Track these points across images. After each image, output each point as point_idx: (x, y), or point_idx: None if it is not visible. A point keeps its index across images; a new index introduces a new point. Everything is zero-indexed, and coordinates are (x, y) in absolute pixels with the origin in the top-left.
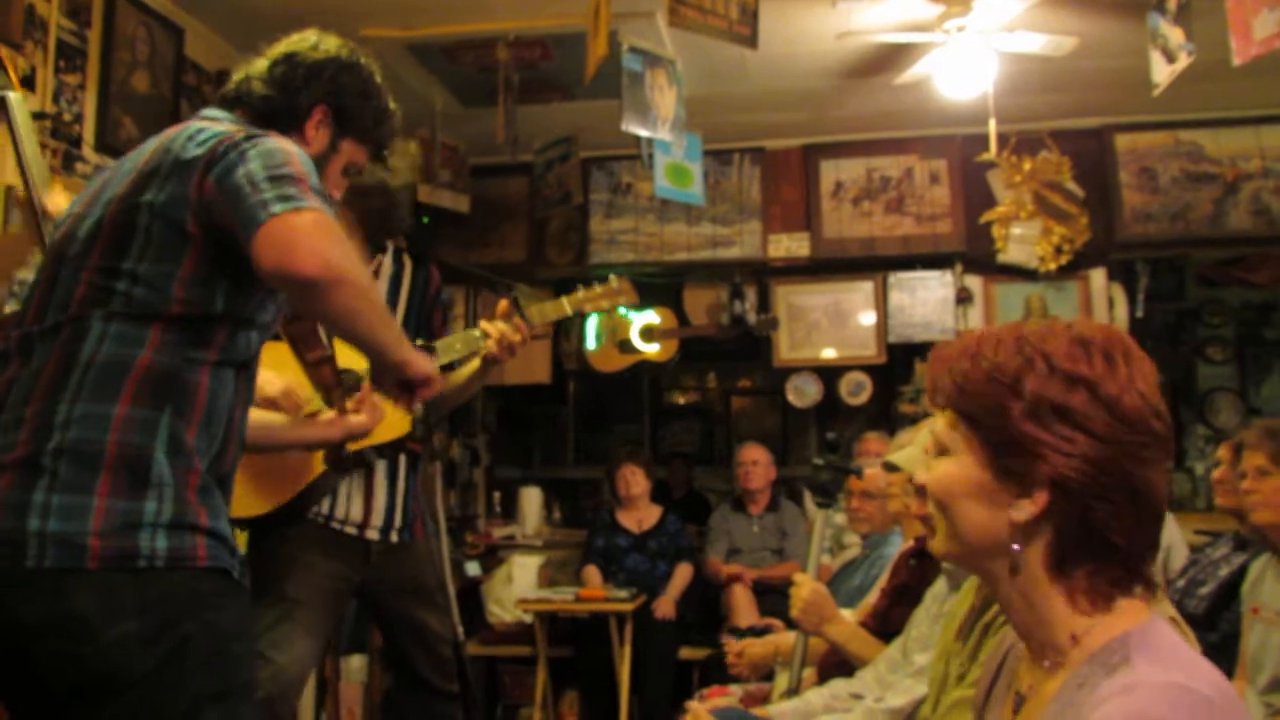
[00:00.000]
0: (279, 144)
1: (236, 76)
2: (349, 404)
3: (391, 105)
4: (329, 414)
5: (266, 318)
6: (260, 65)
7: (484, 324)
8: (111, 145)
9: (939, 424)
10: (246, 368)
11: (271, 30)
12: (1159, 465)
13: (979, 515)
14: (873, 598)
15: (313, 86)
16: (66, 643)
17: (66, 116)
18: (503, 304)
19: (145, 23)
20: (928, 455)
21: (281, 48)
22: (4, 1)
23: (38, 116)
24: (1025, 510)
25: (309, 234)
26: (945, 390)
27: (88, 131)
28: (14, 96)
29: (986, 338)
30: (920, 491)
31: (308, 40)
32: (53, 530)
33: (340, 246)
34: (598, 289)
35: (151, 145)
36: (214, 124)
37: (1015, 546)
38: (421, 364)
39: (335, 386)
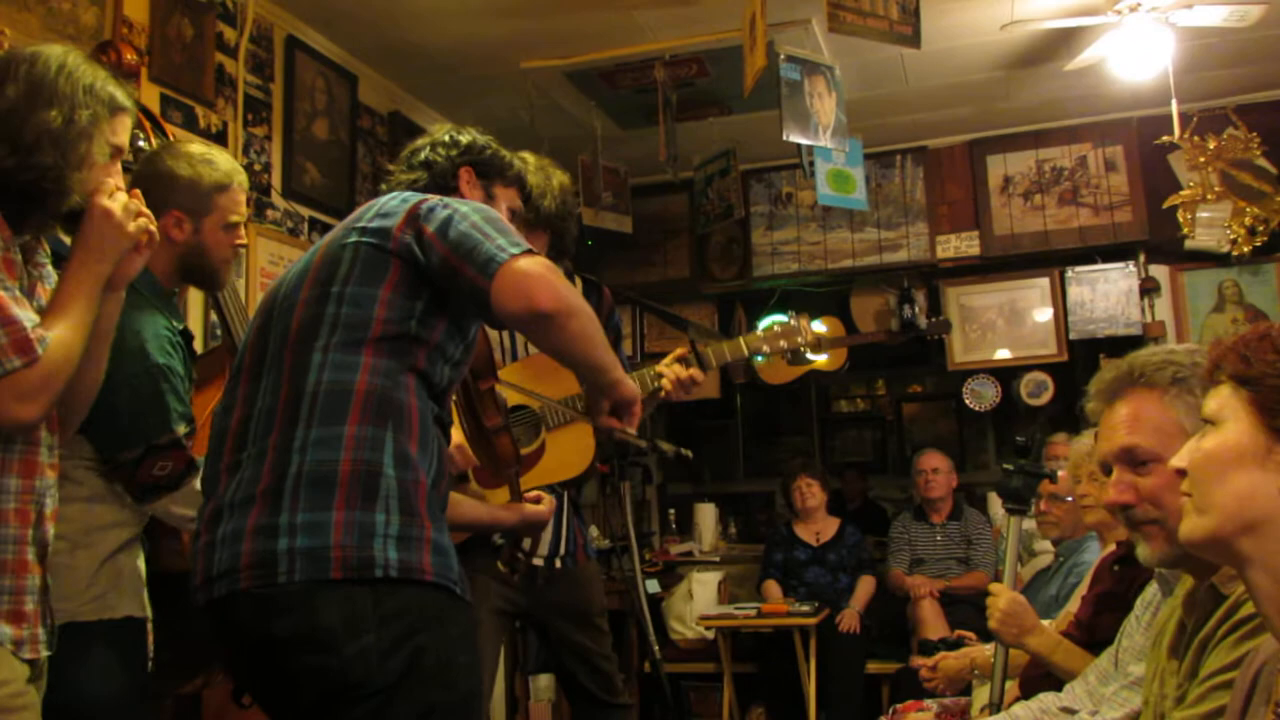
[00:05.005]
0: (477, 202)
1: (385, 187)
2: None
3: (506, 156)
4: (504, 497)
5: (455, 352)
6: (399, 169)
7: (660, 366)
8: (297, 191)
9: (1212, 401)
10: (441, 402)
11: (438, 72)
12: None
13: (1245, 481)
14: (1073, 606)
15: (449, 156)
16: (315, 655)
17: (256, 167)
18: (679, 349)
19: (323, 73)
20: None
21: (405, 152)
22: (197, 64)
23: None
24: None
25: (543, 274)
26: (1228, 362)
27: (275, 179)
28: (226, 293)
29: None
30: (1179, 474)
31: (420, 138)
32: (300, 546)
33: (566, 282)
34: (775, 328)
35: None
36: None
37: None
38: (631, 384)
39: (513, 463)
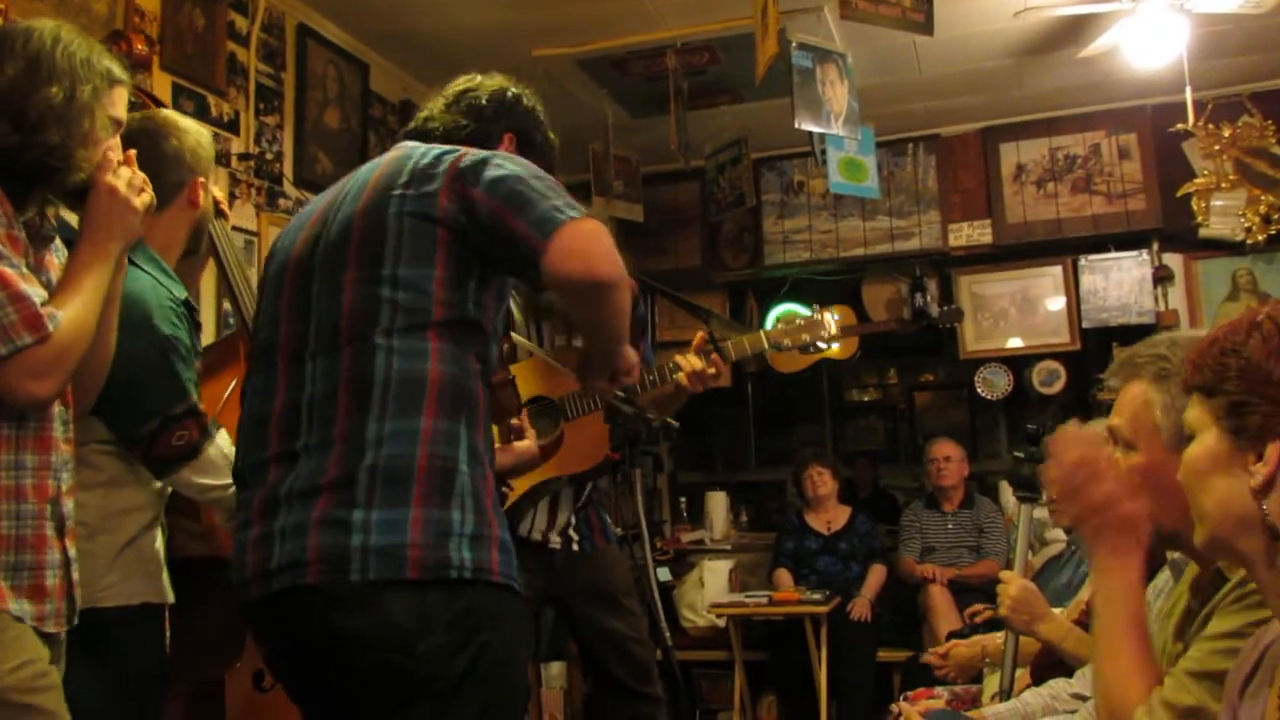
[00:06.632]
0: (520, 158)
1: (419, 116)
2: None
3: (550, 135)
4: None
5: (499, 329)
6: (439, 104)
7: (678, 358)
8: (309, 180)
9: (1190, 411)
10: (487, 383)
11: (449, 60)
12: None
13: (1221, 489)
14: (1085, 594)
15: (501, 116)
16: (384, 652)
17: (268, 156)
18: (699, 336)
19: (334, 61)
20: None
21: (456, 87)
22: (208, 53)
23: (242, 158)
24: (1260, 473)
25: (602, 240)
26: (1189, 371)
27: (287, 168)
28: (217, 224)
29: (1230, 321)
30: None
31: (475, 79)
32: (375, 544)
33: (616, 251)
34: (798, 321)
35: (375, 168)
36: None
37: (1265, 511)
38: (630, 351)
39: (515, 413)
